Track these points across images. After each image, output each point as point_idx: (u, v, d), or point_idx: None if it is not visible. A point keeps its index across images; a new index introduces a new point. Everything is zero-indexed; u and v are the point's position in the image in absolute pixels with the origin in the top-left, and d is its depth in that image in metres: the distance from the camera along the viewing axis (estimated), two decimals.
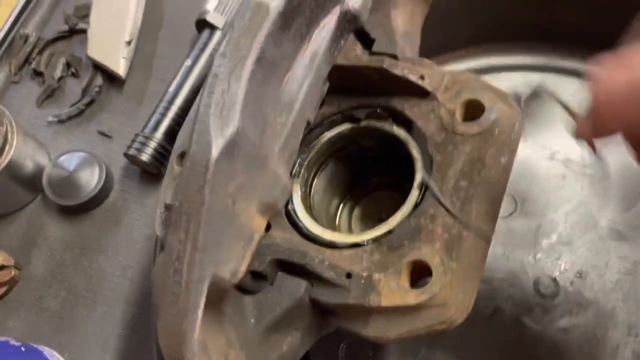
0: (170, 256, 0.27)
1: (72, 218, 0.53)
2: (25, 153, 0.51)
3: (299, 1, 0.31)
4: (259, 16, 0.29)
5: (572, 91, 0.57)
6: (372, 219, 0.50)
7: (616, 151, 0.55)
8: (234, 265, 0.30)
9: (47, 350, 0.46)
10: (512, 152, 0.39)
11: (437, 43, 0.56)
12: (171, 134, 0.53)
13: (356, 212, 0.51)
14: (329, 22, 0.33)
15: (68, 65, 0.59)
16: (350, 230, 0.49)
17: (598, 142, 0.32)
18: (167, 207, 0.30)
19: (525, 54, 0.58)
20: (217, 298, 0.30)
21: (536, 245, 0.51)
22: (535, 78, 0.57)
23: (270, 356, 0.37)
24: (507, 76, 0.58)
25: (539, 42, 0.57)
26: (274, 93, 0.31)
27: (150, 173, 0.55)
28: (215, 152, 0.26)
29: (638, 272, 0.50)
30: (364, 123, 0.44)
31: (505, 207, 0.53)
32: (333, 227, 0.49)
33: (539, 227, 0.52)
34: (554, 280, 0.50)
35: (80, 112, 0.57)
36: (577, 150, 0.54)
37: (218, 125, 0.27)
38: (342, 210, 0.50)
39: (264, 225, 0.32)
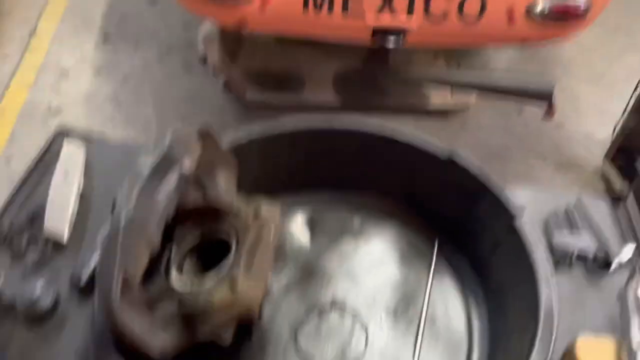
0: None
1: None
2: None
3: (157, 169, 0.75)
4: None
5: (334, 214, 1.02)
6: None
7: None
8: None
9: None
10: (275, 233, 0.81)
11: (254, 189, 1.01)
12: None
13: None
14: (171, 178, 0.77)
15: None
16: None
17: None
18: None
19: (304, 196, 1.04)
20: None
21: None
22: (312, 208, 1.03)
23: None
24: (298, 208, 1.03)
25: (309, 188, 1.04)
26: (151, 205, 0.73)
27: None
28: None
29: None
30: (209, 234, 0.85)
31: None
32: None
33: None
34: None
35: None
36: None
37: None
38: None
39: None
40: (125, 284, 0.67)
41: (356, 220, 1.01)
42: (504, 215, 0.88)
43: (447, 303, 0.91)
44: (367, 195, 1.03)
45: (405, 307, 0.89)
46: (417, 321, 0.88)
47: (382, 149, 0.97)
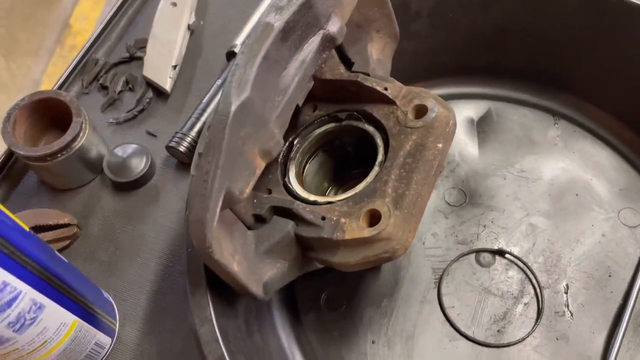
0: (201, 172, 0.43)
1: (122, 193, 0.69)
2: (92, 141, 0.68)
3: (294, 24, 0.48)
4: (267, 31, 0.46)
5: (516, 116, 0.73)
6: None
7: (550, 164, 0.69)
8: (241, 186, 0.45)
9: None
10: (447, 140, 0.54)
11: (411, 74, 0.73)
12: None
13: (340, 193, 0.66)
14: (315, 40, 0.50)
15: (127, 82, 0.77)
16: None
17: None
18: (199, 155, 0.46)
19: (479, 86, 0.74)
20: (229, 209, 0.45)
21: (479, 228, 0.65)
22: (486, 105, 0.73)
23: (263, 274, 0.51)
24: (465, 103, 0.74)
25: (489, 76, 0.73)
26: (274, 81, 0.47)
27: (184, 163, 0.71)
28: (233, 107, 0.42)
29: (556, 250, 0.63)
30: (344, 122, 0.60)
31: (457, 199, 0.68)
32: None
33: (482, 214, 0.66)
34: (492, 253, 0.64)
35: (134, 117, 0.74)
36: (516, 160, 0.69)
37: (236, 94, 0.43)
38: (330, 191, 0.65)
39: (263, 165, 0.47)
40: (228, 203, 0.45)
41: (552, 131, 0.71)
42: None
43: None
44: (573, 100, 0.71)
45: (605, 275, 0.62)
46: (619, 302, 0.61)
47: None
